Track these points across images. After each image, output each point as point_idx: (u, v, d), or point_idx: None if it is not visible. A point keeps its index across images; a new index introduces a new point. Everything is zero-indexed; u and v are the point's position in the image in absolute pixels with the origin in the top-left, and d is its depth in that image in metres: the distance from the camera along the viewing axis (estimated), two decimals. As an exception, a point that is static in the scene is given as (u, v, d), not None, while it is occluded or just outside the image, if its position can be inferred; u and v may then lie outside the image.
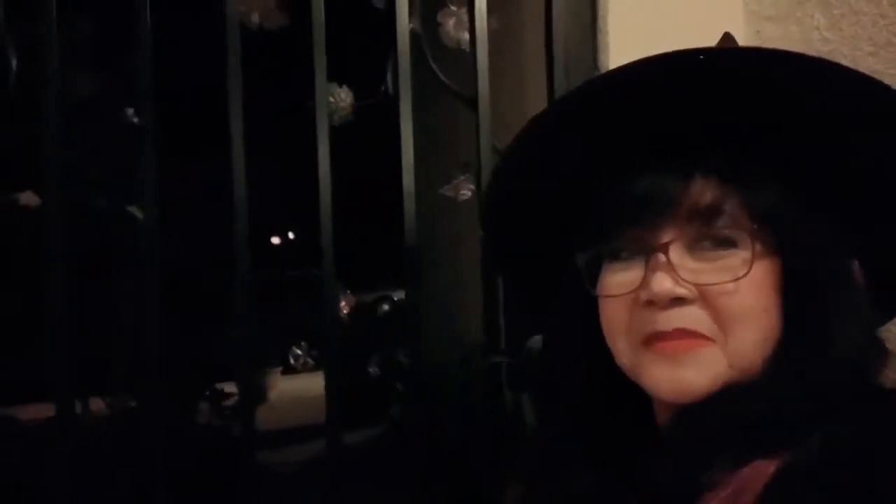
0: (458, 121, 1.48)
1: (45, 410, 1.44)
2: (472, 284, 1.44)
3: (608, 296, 0.67)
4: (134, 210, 1.97)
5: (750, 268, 0.62)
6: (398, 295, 8.45)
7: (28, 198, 1.86)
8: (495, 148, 1.29)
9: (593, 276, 0.69)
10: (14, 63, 1.24)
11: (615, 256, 0.67)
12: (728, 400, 0.62)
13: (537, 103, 1.39)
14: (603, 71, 1.26)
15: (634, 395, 0.69)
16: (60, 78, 1.19)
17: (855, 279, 0.66)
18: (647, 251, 0.64)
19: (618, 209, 0.66)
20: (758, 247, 0.63)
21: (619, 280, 0.66)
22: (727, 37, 0.79)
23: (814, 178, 0.65)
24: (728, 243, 0.64)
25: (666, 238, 0.63)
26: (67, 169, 1.26)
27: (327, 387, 1.31)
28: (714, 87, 0.64)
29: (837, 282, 0.65)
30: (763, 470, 0.59)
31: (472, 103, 1.32)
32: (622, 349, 0.67)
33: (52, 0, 1.19)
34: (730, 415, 0.61)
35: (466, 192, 1.39)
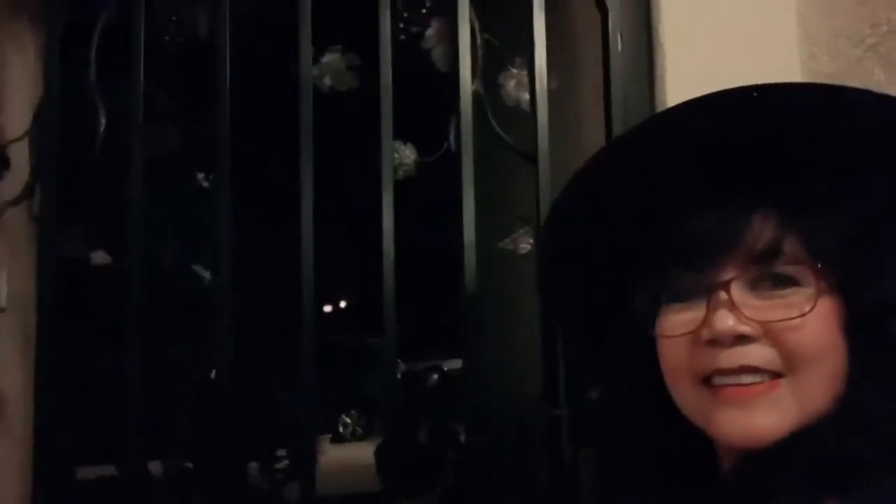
0: (516, 178, 1.51)
1: (102, 471, 1.46)
2: (530, 337, 1.44)
3: (669, 336, 0.67)
4: (199, 269, 2.01)
5: (815, 304, 0.62)
6: (448, 365, 8.38)
7: (99, 257, 1.92)
8: (555, 203, 1.31)
9: (652, 317, 0.68)
10: (103, 122, 1.31)
11: (675, 297, 0.67)
12: (797, 444, 0.61)
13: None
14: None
15: (696, 437, 0.68)
16: (146, 139, 1.25)
17: None
18: (707, 290, 0.64)
19: (677, 249, 0.67)
20: (822, 284, 0.62)
21: (679, 319, 0.66)
22: None
23: (874, 213, 0.65)
24: (790, 282, 0.63)
25: (727, 276, 0.63)
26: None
27: (384, 452, 1.31)
28: (769, 123, 0.65)
29: None
30: None
31: (532, 159, 1.35)
32: (684, 391, 0.67)
33: (140, 62, 1.27)
34: (798, 459, 0.60)
35: (526, 246, 1.40)
